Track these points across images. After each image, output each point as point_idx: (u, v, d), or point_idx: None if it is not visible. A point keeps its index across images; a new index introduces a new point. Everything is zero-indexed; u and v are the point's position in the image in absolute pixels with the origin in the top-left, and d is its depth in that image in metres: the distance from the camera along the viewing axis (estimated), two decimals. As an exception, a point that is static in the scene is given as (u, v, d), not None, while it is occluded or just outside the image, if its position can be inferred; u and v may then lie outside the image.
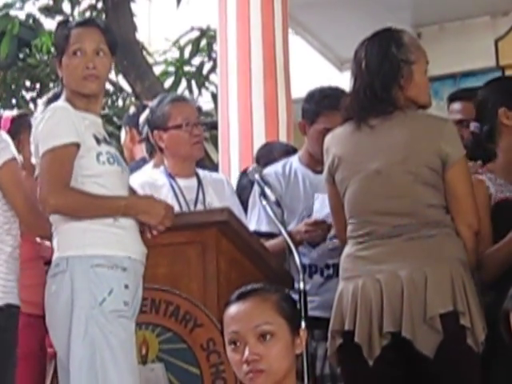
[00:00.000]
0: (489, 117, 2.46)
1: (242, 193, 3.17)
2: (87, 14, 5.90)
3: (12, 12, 6.28)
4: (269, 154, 3.36)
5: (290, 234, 2.61)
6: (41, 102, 3.07)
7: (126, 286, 2.19)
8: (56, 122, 2.20)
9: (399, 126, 2.28)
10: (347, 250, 2.35)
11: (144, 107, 3.35)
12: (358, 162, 2.30)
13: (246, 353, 1.71)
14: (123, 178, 2.29)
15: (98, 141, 2.20)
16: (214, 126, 4.25)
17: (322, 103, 2.82)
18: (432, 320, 2.17)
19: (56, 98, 2.55)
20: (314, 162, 2.90)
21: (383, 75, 2.27)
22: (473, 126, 2.56)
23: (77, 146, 2.18)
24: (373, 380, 2.26)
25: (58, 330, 2.25)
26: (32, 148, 2.36)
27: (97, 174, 2.22)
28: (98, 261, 2.14)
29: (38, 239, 2.84)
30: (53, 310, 2.27)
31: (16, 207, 2.45)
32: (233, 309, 1.78)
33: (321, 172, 2.80)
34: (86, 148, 2.20)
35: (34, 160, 2.41)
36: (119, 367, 2.18)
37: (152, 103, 3.05)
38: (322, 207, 2.80)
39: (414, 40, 2.43)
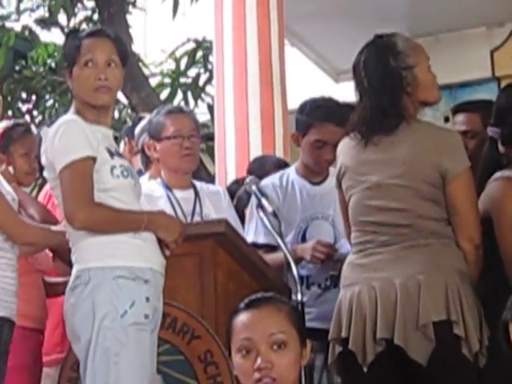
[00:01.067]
0: (510, 121, 2.57)
1: (237, 202, 3.23)
2: (83, 26, 5.92)
3: (8, 24, 6.41)
4: (261, 168, 3.40)
5: (293, 249, 2.63)
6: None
7: (147, 299, 2.21)
8: (71, 136, 2.23)
9: (402, 139, 2.31)
10: (349, 258, 2.40)
11: (140, 119, 3.38)
12: (362, 173, 2.36)
13: (259, 360, 1.71)
14: (136, 190, 2.30)
15: (111, 154, 2.21)
16: (210, 138, 4.26)
17: (313, 114, 2.83)
18: (425, 328, 2.18)
19: None
20: (311, 174, 2.95)
21: (390, 91, 2.27)
22: (491, 131, 2.59)
23: (93, 159, 2.20)
24: None
25: (78, 341, 2.27)
26: (43, 160, 2.36)
27: (112, 187, 2.22)
28: (121, 272, 2.16)
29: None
30: (71, 322, 2.27)
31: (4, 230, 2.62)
32: (245, 316, 1.78)
33: (318, 183, 2.91)
34: (101, 161, 2.21)
35: (46, 174, 2.40)
36: (134, 380, 2.23)
37: (151, 114, 3.17)
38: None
39: (408, 42, 2.39)
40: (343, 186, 2.44)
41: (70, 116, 2.37)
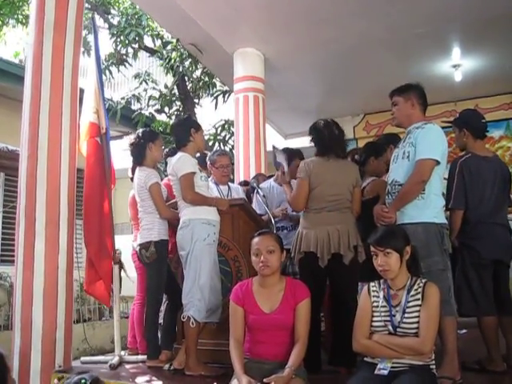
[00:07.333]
0: (364, 156, 3.25)
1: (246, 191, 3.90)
2: (175, 113, 7.64)
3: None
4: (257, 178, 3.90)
5: (272, 212, 3.24)
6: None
7: (214, 233, 2.77)
8: (186, 161, 2.92)
9: (343, 164, 2.85)
10: (308, 215, 2.87)
11: (201, 155, 3.88)
12: (324, 176, 2.77)
13: (262, 258, 2.26)
14: (208, 186, 2.88)
15: (200, 171, 2.83)
16: (232, 163, 5.13)
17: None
18: (351, 247, 2.67)
19: (172, 153, 3.09)
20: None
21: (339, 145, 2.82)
22: (356, 156, 3.31)
23: (194, 173, 2.74)
24: (323, 273, 2.73)
25: (183, 250, 2.86)
26: (169, 171, 2.96)
27: (200, 185, 2.83)
28: (203, 221, 2.77)
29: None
30: (180, 242, 2.85)
31: (157, 209, 3.06)
32: (256, 238, 2.33)
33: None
34: (197, 174, 2.78)
35: (170, 177, 2.99)
36: (206, 269, 2.77)
37: (209, 153, 3.76)
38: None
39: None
40: (311, 180, 2.68)
41: (183, 153, 2.91)
